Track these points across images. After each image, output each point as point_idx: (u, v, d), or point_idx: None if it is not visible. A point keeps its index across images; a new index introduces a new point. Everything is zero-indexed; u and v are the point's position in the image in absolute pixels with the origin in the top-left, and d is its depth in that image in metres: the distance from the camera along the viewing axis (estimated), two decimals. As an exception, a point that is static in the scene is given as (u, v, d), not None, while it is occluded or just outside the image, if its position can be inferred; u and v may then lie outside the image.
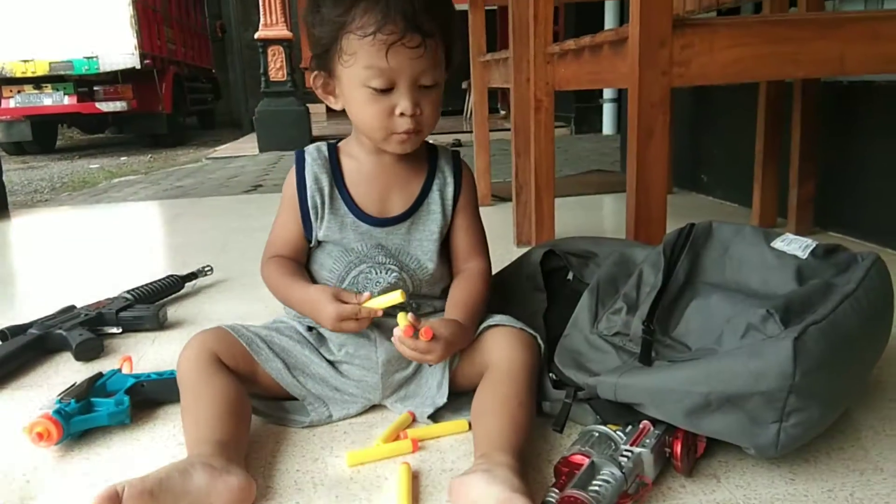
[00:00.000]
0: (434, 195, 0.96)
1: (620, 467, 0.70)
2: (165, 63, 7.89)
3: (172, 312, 1.41)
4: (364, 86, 0.84)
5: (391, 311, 0.89)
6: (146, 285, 1.44)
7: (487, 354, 0.88)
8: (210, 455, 0.74)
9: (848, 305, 0.75)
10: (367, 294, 0.87)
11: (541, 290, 1.09)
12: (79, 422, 0.89)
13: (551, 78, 1.59)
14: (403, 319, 0.81)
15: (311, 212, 0.94)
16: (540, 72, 1.59)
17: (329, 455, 0.84)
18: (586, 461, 0.71)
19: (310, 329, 0.97)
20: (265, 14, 5.68)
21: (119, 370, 1.02)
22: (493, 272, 1.03)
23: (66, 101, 6.96)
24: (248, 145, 6.39)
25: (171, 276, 1.52)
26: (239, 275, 1.67)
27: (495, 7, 2.27)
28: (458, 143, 5.06)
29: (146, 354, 1.20)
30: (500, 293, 1.11)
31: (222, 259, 1.79)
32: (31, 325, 1.24)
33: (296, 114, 5.76)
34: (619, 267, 0.95)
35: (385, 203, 0.95)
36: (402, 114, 0.85)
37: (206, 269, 1.62)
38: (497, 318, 0.92)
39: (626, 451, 0.72)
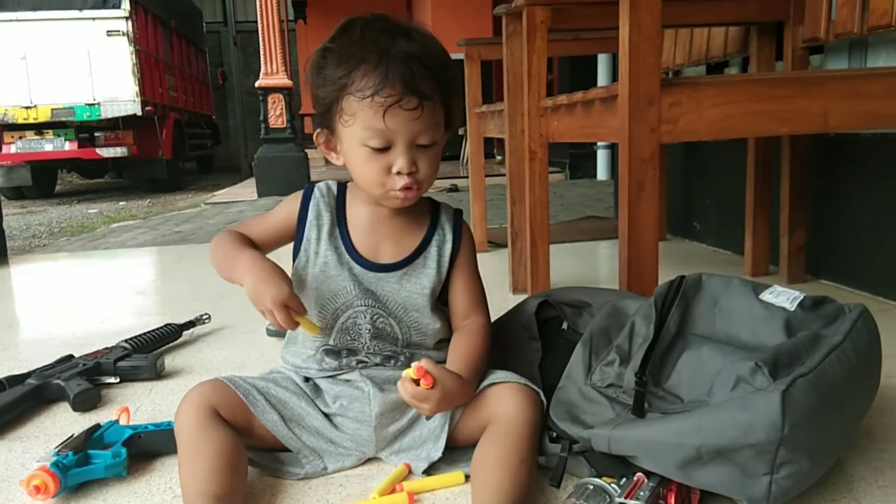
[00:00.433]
0: (432, 250, 0.98)
1: (615, 521, 0.70)
2: (166, 109, 8.04)
3: (170, 361, 1.42)
4: (363, 145, 0.87)
5: (383, 363, 0.90)
6: (144, 334, 1.45)
7: (490, 409, 0.89)
8: None
9: (835, 357, 0.77)
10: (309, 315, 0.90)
11: (536, 340, 1.10)
12: (76, 474, 0.89)
13: (545, 130, 1.63)
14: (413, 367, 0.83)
15: (305, 242, 0.97)
16: (534, 124, 1.63)
17: (325, 508, 0.84)
18: (581, 514, 0.71)
19: (306, 380, 0.98)
20: (266, 63, 5.81)
21: (116, 421, 1.02)
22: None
23: (67, 146, 7.07)
24: (246, 190, 6.46)
25: (169, 324, 1.53)
26: (236, 322, 1.68)
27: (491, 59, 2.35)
28: (455, 188, 5.13)
29: (143, 405, 1.20)
30: (496, 342, 1.12)
31: (219, 306, 1.80)
32: (29, 374, 1.24)
33: (295, 160, 5.84)
34: (612, 318, 0.97)
35: (380, 250, 0.97)
36: (398, 172, 0.88)
37: (204, 317, 1.63)
38: (501, 375, 0.93)
39: (621, 503, 0.73)
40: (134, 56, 7.01)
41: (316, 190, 0.99)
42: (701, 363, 0.84)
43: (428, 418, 0.91)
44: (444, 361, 0.94)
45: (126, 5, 6.92)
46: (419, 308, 0.96)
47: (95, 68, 6.87)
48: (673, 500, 0.75)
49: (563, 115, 1.53)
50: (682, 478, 0.75)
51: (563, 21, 1.61)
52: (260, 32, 5.77)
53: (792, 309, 0.88)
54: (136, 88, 7.01)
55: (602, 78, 4.77)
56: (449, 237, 1.00)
